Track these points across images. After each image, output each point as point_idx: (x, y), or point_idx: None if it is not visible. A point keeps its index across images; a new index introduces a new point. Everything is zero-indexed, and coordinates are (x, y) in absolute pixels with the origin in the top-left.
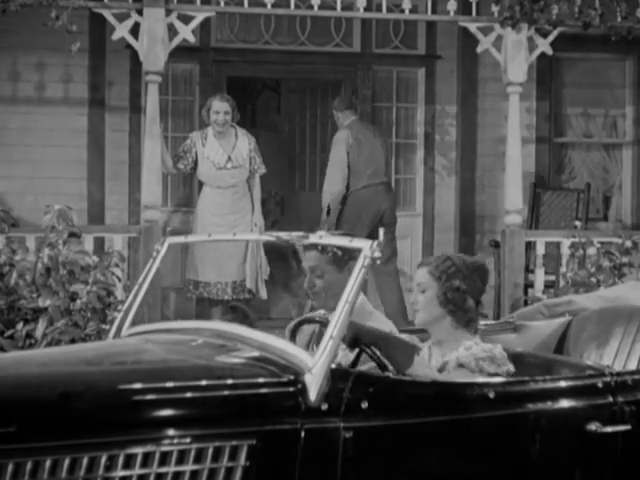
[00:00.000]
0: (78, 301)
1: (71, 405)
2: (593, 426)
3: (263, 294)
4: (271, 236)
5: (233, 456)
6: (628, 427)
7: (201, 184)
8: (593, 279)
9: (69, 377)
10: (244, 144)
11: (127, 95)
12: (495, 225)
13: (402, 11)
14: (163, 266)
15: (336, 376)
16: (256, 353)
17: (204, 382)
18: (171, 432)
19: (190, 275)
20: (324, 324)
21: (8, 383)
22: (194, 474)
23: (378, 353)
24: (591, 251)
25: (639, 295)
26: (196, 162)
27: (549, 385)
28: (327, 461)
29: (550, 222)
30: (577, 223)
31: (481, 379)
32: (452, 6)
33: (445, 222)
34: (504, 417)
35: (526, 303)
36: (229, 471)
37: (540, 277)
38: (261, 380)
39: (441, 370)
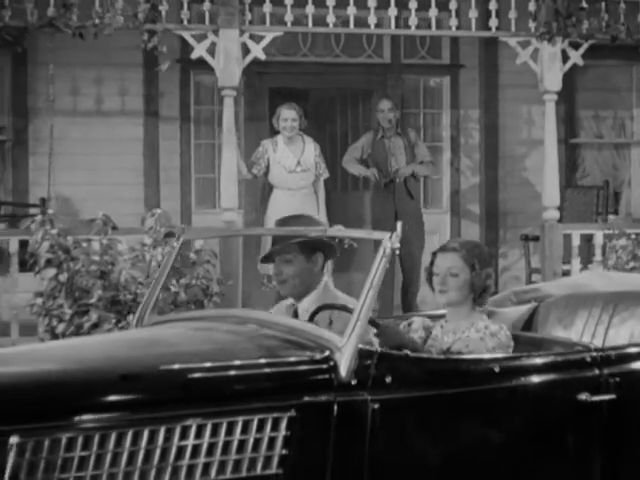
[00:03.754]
0: (183, 294)
1: (133, 384)
2: (583, 396)
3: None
4: (291, 230)
5: (275, 427)
6: (613, 396)
7: (270, 188)
8: (627, 266)
9: (129, 360)
10: (310, 150)
11: (177, 105)
12: (517, 220)
13: (449, 28)
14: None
15: (362, 354)
16: (287, 335)
17: (247, 361)
18: (220, 406)
19: (263, 269)
20: (348, 310)
21: (75, 366)
22: (241, 443)
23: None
24: (621, 242)
25: (599, 282)
26: (268, 167)
27: (546, 360)
28: (357, 430)
29: (572, 217)
30: (611, 217)
31: (487, 355)
32: (494, 23)
33: (470, 218)
34: (508, 389)
35: None
36: (271, 440)
37: (576, 266)
38: (297, 358)
39: (450, 347)
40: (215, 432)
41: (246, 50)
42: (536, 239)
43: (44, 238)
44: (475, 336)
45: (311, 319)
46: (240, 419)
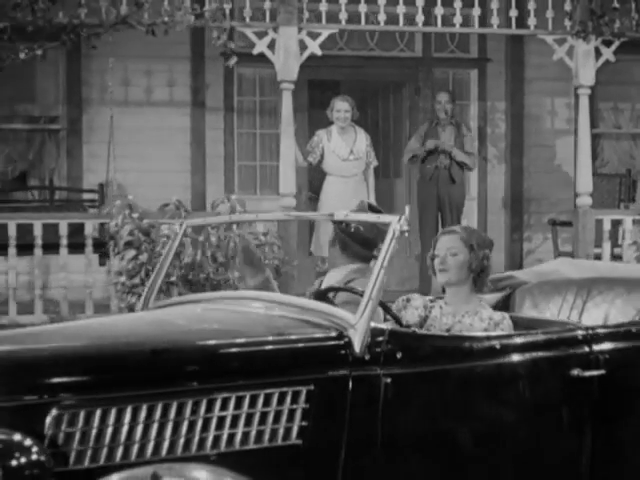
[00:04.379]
0: None
1: (161, 360)
2: (575, 371)
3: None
4: (299, 215)
5: (295, 400)
6: (602, 372)
7: (323, 175)
8: None
9: (157, 336)
10: (362, 139)
11: (222, 96)
12: (541, 206)
13: (491, 26)
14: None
15: (374, 332)
16: (301, 314)
17: (269, 338)
18: (243, 381)
19: (317, 252)
20: (354, 292)
21: (107, 342)
22: (263, 415)
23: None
24: None
25: (571, 269)
26: (322, 155)
27: (541, 337)
28: (371, 403)
29: (596, 204)
30: None
31: (489, 333)
32: (532, 21)
33: (496, 205)
34: (508, 364)
35: None
36: (291, 412)
37: (607, 250)
38: (315, 335)
39: (450, 329)
40: (239, 405)
41: (303, 46)
42: (564, 224)
43: (124, 222)
44: (479, 326)
45: (319, 298)
46: (262, 393)
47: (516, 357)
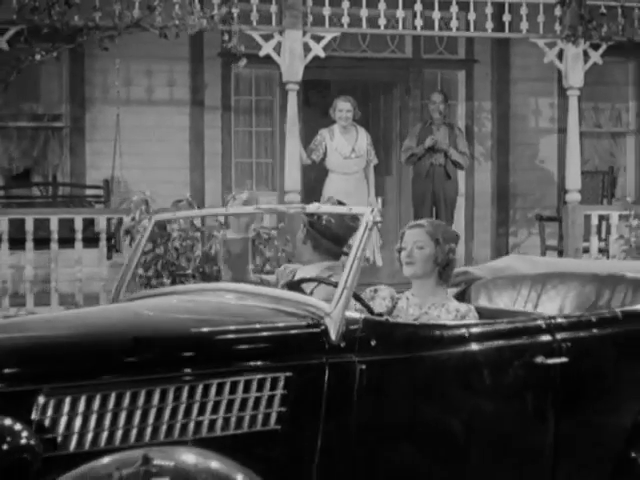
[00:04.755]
0: (267, 265)
1: (144, 347)
2: (539, 359)
3: (379, 262)
4: (270, 208)
5: (273, 386)
6: (565, 359)
7: (325, 172)
8: None
9: (136, 325)
10: (363, 138)
11: (219, 96)
12: (526, 202)
13: (485, 30)
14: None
15: (348, 320)
16: (278, 303)
17: (248, 326)
18: (224, 368)
19: None
20: (331, 284)
21: (91, 330)
22: (243, 401)
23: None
24: (635, 222)
25: (524, 265)
26: (325, 153)
27: (507, 326)
28: (347, 388)
29: (581, 200)
30: (628, 199)
31: (458, 322)
32: (525, 25)
33: (483, 200)
34: (477, 351)
35: None
36: (270, 398)
37: (594, 244)
38: (292, 323)
39: (417, 320)
40: (220, 391)
41: (307, 48)
42: (550, 219)
43: (142, 217)
44: (446, 317)
45: (291, 289)
46: (242, 379)
47: (484, 345)
